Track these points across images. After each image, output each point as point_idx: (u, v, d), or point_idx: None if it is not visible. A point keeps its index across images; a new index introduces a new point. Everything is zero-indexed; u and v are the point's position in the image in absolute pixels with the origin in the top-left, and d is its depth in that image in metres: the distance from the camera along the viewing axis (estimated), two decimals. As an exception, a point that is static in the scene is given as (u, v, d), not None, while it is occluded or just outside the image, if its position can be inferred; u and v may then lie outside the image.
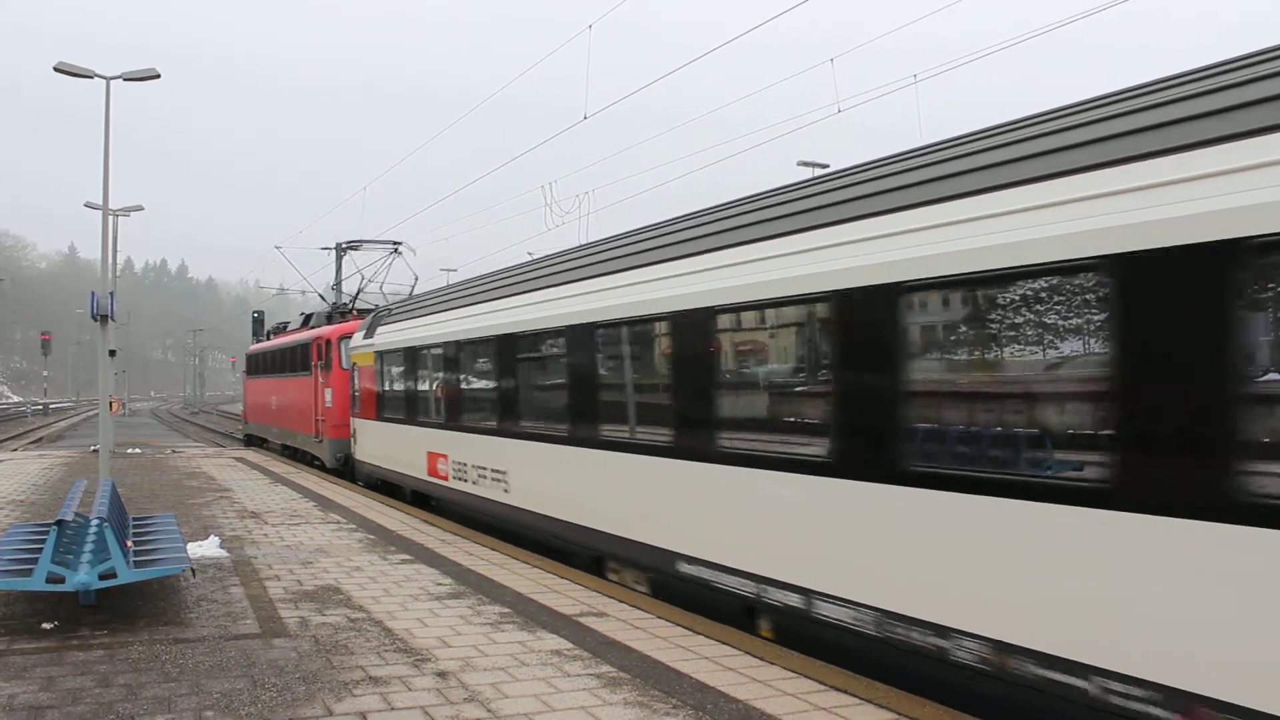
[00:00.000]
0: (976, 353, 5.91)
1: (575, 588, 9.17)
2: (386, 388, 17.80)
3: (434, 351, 15.07)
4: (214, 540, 11.06)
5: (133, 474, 20.89)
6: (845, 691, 5.99)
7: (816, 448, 6.89)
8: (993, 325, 5.73)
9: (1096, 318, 5.07)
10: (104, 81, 21.07)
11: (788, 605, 7.16)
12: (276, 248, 39.32)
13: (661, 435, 8.79)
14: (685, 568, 8.40)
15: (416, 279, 29.14)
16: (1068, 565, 5.11)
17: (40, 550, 7.75)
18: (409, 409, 16.37)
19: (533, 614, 8.05)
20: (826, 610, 6.76)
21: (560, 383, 10.86)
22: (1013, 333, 5.61)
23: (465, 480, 13.68)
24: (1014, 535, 5.39)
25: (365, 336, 19.30)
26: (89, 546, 7.69)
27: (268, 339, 33.82)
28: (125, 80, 21.58)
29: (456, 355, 14.12)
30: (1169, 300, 4.67)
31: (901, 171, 6.64)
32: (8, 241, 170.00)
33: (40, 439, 43.43)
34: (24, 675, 6.23)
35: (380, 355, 18.05)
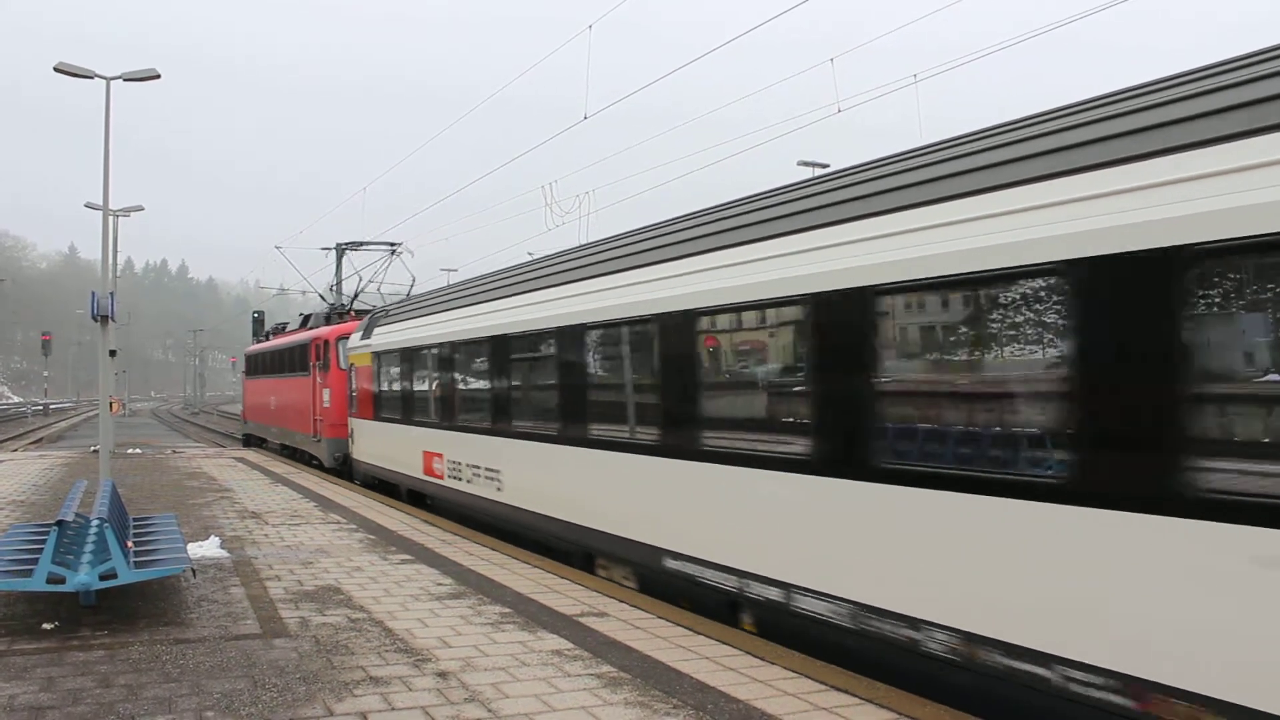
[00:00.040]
0: (943, 354, 6.18)
1: (575, 588, 9.17)
2: (383, 388, 18.00)
3: (429, 352, 15.31)
4: (214, 540, 11.06)
5: (133, 474, 20.90)
6: (846, 691, 5.99)
7: (794, 446, 7.09)
8: (958, 327, 6.01)
9: (1053, 321, 5.31)
10: (104, 82, 21.07)
11: (768, 599, 7.36)
12: (277, 248, 39.31)
13: (647, 434, 9.00)
14: (671, 564, 8.59)
15: (414, 280, 29.45)
16: (1030, 558, 5.31)
17: (41, 551, 7.75)
18: (405, 409, 16.58)
19: (533, 614, 8.05)
20: (805, 604, 6.95)
21: (550, 383, 11.06)
22: (977, 335, 5.89)
23: (460, 479, 13.87)
24: (980, 529, 5.59)
25: (362, 337, 19.51)
26: (89, 547, 7.69)
27: (267, 339, 33.94)
28: (125, 80, 21.59)
29: (451, 356, 14.36)
30: (1120, 304, 4.89)
31: (872, 179, 6.90)
32: (8, 242, 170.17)
33: (40, 439, 43.45)
34: (24, 676, 6.23)
35: (377, 356, 18.26)
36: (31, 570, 7.51)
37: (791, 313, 7.25)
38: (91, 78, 20.92)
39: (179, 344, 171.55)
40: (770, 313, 7.58)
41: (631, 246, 10.01)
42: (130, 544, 8.72)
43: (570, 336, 10.48)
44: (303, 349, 25.68)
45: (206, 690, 5.94)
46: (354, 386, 20.26)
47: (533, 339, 11.50)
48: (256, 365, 33.87)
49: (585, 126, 18.91)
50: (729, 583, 7.82)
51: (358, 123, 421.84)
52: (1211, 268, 4.56)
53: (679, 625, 7.67)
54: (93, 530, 7.93)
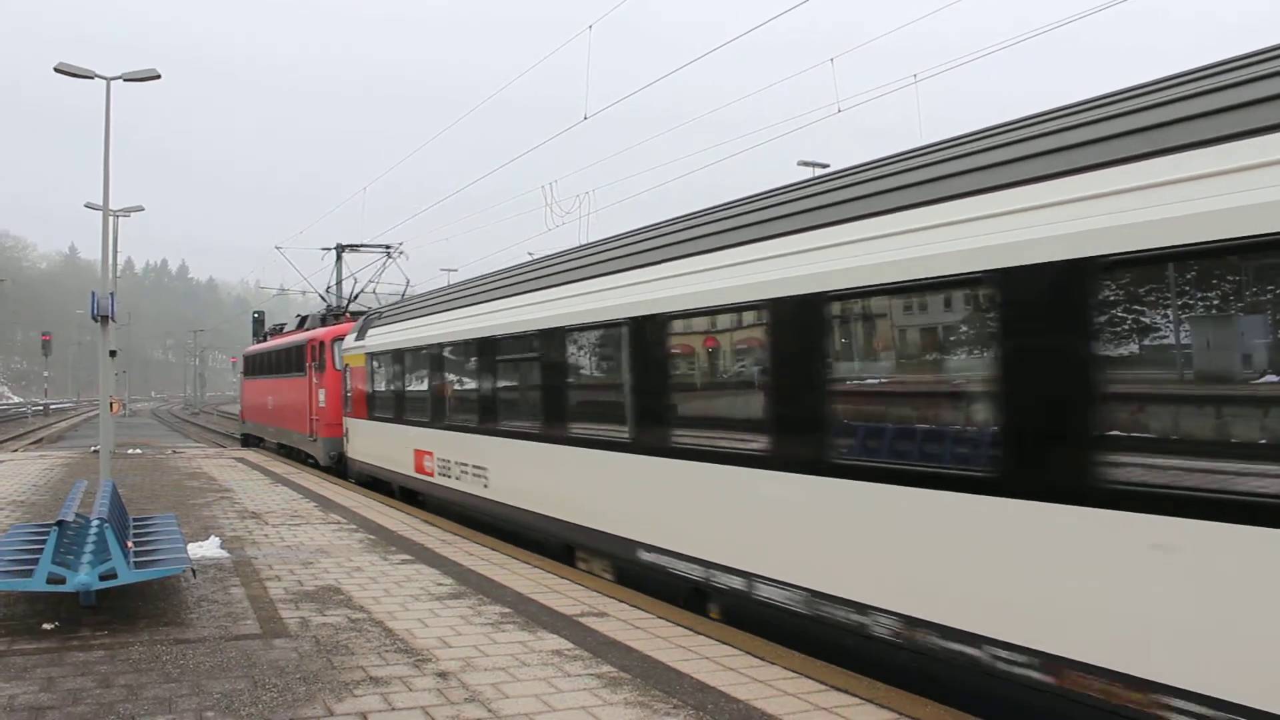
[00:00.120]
0: (885, 357, 6.70)
1: (576, 588, 9.17)
2: (376, 388, 18.39)
3: (419, 353, 15.70)
4: (214, 541, 11.06)
5: (133, 474, 20.90)
6: (846, 691, 5.99)
7: (753, 443, 7.51)
8: (897, 332, 6.51)
9: (977, 327, 5.79)
10: (104, 82, 21.08)
11: (732, 588, 7.76)
12: (277, 248, 39.32)
13: (621, 432, 9.40)
14: (645, 555, 8.99)
15: (408, 282, 29.86)
16: (960, 546, 5.72)
17: (41, 551, 7.75)
18: (397, 408, 16.95)
19: (533, 614, 8.05)
20: (765, 591, 7.36)
21: (532, 383, 11.50)
22: (913, 339, 6.40)
23: (449, 476, 14.25)
24: (917, 519, 6.01)
25: (356, 338, 19.84)
26: (90, 547, 7.69)
27: (265, 340, 34.06)
28: (125, 80, 21.60)
29: (439, 357, 14.76)
30: (1043, 310, 5.27)
31: (827, 191, 7.34)
32: (8, 242, 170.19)
33: (41, 439, 43.47)
34: (24, 676, 6.23)
35: (370, 357, 18.63)
36: (32, 570, 7.51)
37: (750, 317, 7.70)
38: (91, 78, 20.92)
39: (179, 344, 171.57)
40: (731, 317, 8.02)
41: (606, 253, 10.44)
42: (130, 544, 8.73)
43: (549, 339, 10.90)
44: (299, 350, 25.92)
45: (207, 690, 5.94)
46: (348, 387, 20.61)
47: (515, 341, 11.90)
48: (254, 366, 34.10)
49: (585, 127, 18.92)
50: (696, 573, 8.21)
51: (358, 123, 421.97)
52: (1117, 278, 4.93)
53: (679, 625, 7.67)
54: (93, 530, 7.93)
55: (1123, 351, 4.98)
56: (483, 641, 7.18)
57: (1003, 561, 5.44)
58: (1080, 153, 5.27)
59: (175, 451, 30.58)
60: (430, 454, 15.12)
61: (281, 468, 23.37)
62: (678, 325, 8.63)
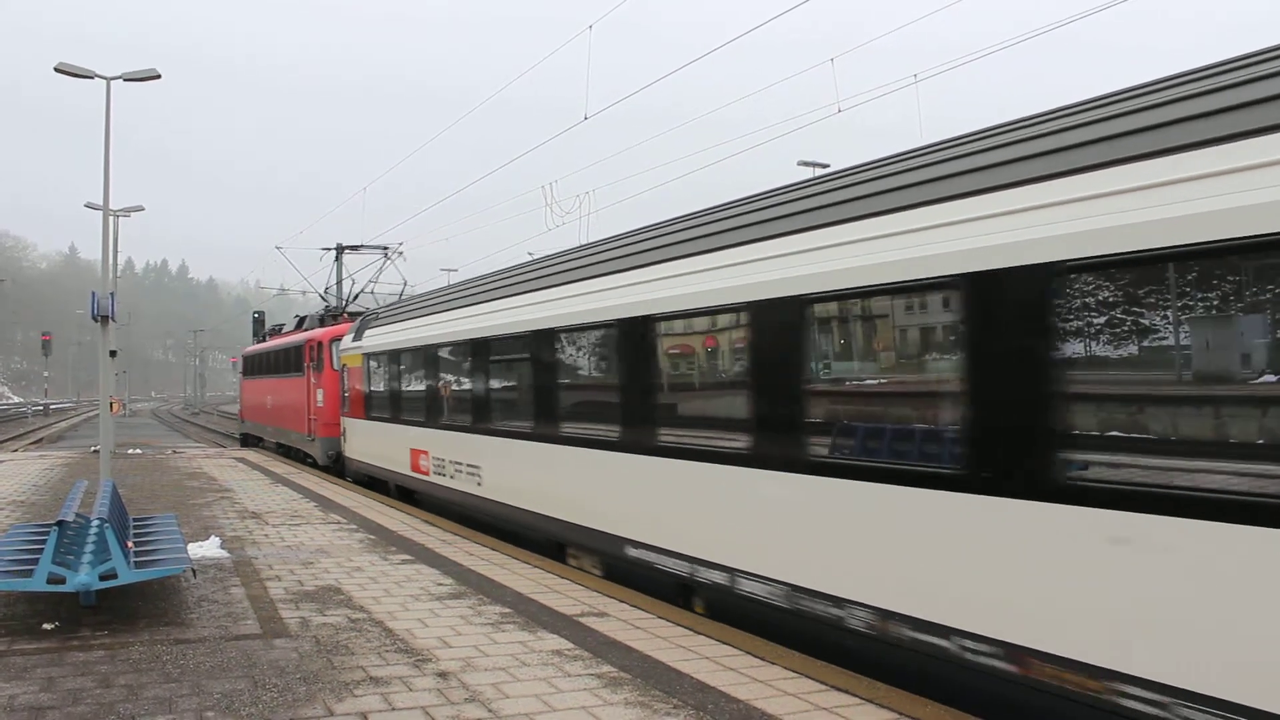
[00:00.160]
0: (861, 358, 6.95)
1: (576, 588, 9.17)
2: (372, 388, 18.64)
3: (414, 354, 15.91)
4: (215, 541, 11.06)
5: (133, 474, 20.90)
6: (846, 691, 5.99)
7: (736, 441, 7.71)
8: (871, 335, 6.80)
9: (945, 329, 6.01)
10: (104, 82, 21.08)
11: (715, 583, 7.95)
12: (277, 248, 39.33)
13: (609, 431, 9.59)
14: (632, 551, 9.17)
15: (405, 284, 30.22)
16: (930, 540, 5.93)
17: (41, 551, 7.75)
18: (393, 408, 17.16)
19: (533, 614, 8.05)
20: (747, 586, 7.56)
21: (523, 383, 11.74)
22: (885, 342, 6.67)
23: (444, 475, 14.45)
24: (889, 515, 6.21)
25: (353, 339, 20.06)
26: (90, 547, 7.69)
27: (265, 341, 34.18)
28: (125, 81, 21.59)
29: (434, 357, 14.95)
30: (1005, 314, 5.49)
31: (804, 197, 7.56)
32: (8, 242, 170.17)
33: (41, 439, 43.47)
34: (24, 676, 6.23)
35: (367, 357, 18.86)
36: (32, 570, 7.51)
37: (731, 320, 7.92)
38: (91, 78, 20.92)
39: (179, 344, 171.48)
40: (714, 319, 8.22)
41: (595, 256, 10.65)
42: (130, 544, 8.72)
43: (539, 340, 11.11)
44: (297, 350, 26.11)
45: (207, 690, 5.94)
46: (346, 387, 20.85)
47: (506, 342, 12.10)
48: (253, 366, 34.31)
49: (585, 127, 18.92)
50: (681, 568, 8.40)
51: (358, 123, 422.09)
52: (1073, 283, 5.14)
53: (679, 625, 7.67)
54: (93, 530, 7.93)
55: (1081, 354, 5.16)
56: (483, 641, 7.18)
57: (969, 555, 5.65)
58: (1037, 163, 5.52)
59: (175, 451, 30.58)
60: (425, 453, 15.31)
61: (281, 468, 23.38)
62: (663, 327, 8.84)
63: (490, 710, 5.63)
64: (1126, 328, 4.98)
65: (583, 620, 7.85)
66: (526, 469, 11.57)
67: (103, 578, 7.53)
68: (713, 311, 8.13)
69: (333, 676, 6.27)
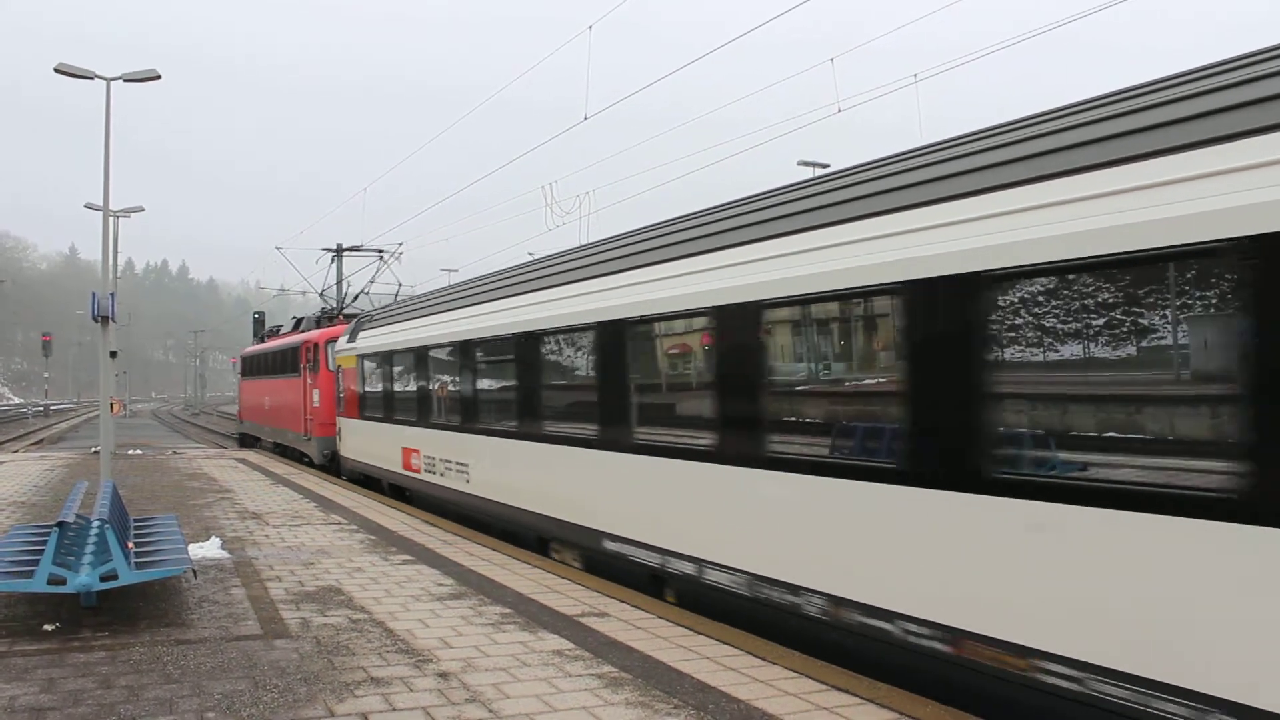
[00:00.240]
0: (811, 360, 7.39)
1: (576, 588, 9.17)
2: (366, 388, 19.05)
3: (405, 355, 16.34)
4: (215, 541, 11.06)
5: (134, 475, 20.90)
6: (847, 691, 6.00)
7: (702, 439, 8.14)
8: (824, 337, 7.26)
9: (893, 333, 6.34)
10: (104, 82, 21.08)
11: (684, 573, 8.37)
12: (277, 248, 39.35)
13: (587, 429, 10.02)
14: (610, 545, 9.58)
15: (400, 285, 30.81)
16: (874, 530, 6.32)
17: (41, 552, 7.75)
18: (386, 408, 17.58)
19: (534, 614, 8.05)
20: (713, 576, 7.97)
21: (508, 384, 12.17)
22: (840, 343, 7.15)
23: (434, 473, 14.89)
24: (839, 507, 6.61)
25: (348, 340, 20.46)
26: (90, 548, 7.69)
27: (263, 342, 34.37)
28: (125, 81, 21.59)
29: (425, 359, 15.37)
30: (937, 319, 5.85)
31: (766, 207, 7.95)
32: (8, 243, 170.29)
33: (41, 440, 43.47)
34: (25, 677, 6.23)
35: (361, 358, 19.27)
36: (33, 571, 7.51)
37: (697, 324, 8.35)
38: (92, 78, 20.93)
39: (180, 345, 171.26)
40: (682, 323, 8.66)
41: (576, 262, 11.08)
42: (131, 545, 8.73)
43: (523, 342, 11.55)
44: (294, 351, 26.46)
45: (208, 691, 5.94)
46: (341, 387, 21.25)
47: (492, 344, 12.55)
48: (252, 367, 34.68)
49: (585, 127, 18.91)
50: (653, 560, 8.82)
51: (358, 123, 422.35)
52: (999, 290, 5.51)
53: (680, 625, 7.68)
54: (94, 531, 7.93)
55: (1004, 357, 5.53)
56: (483, 642, 7.18)
57: (909, 544, 6.04)
58: (974, 177, 5.88)
59: (176, 452, 30.58)
60: (417, 451, 15.71)
61: (282, 468, 23.39)
62: (635, 330, 9.24)
63: (491, 710, 5.63)
64: (1043, 333, 5.39)
65: (583, 620, 7.85)
66: (511, 466, 11.99)
67: (103, 579, 7.54)
68: (679, 316, 8.56)
69: (333, 677, 6.27)
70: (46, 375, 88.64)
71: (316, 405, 23.90)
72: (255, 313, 40.94)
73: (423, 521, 13.87)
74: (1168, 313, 4.81)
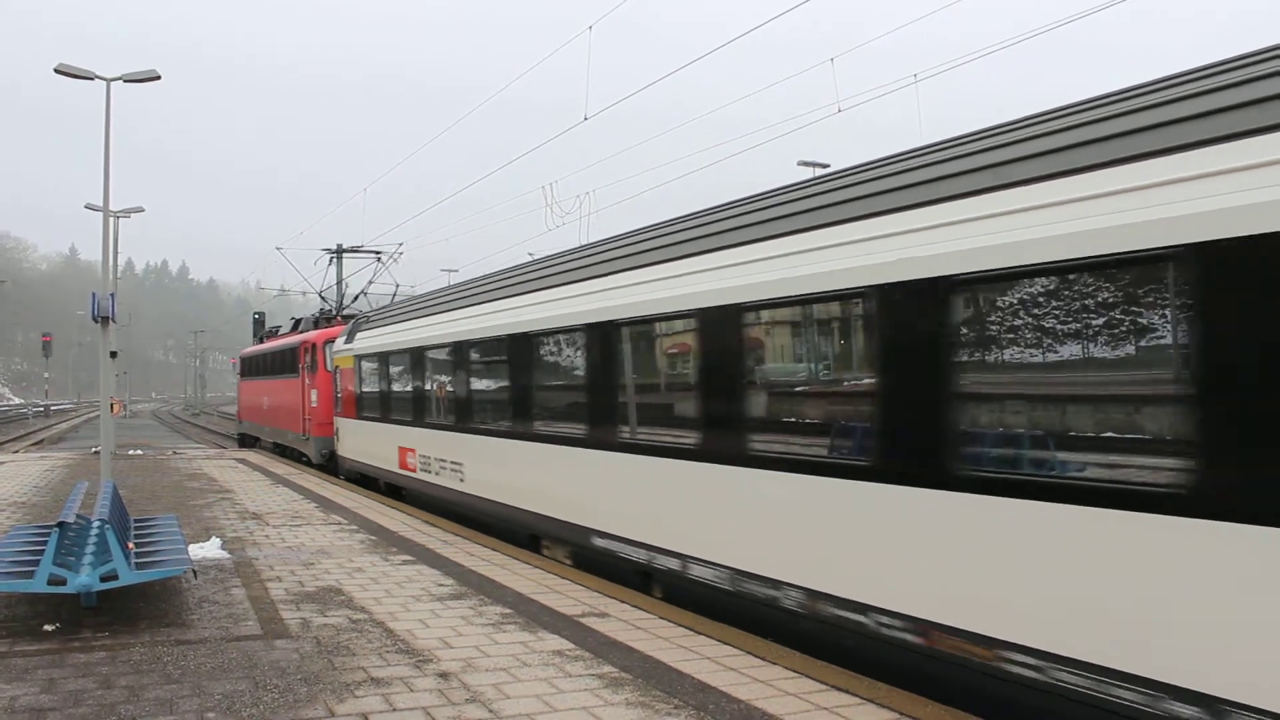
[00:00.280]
0: (789, 361, 7.66)
1: (576, 588, 9.17)
2: (363, 389, 19.32)
3: (401, 356, 16.63)
4: (215, 542, 11.07)
5: (134, 475, 20.91)
6: (847, 691, 6.00)
7: (687, 437, 8.38)
8: (801, 339, 7.53)
9: (865, 335, 6.64)
10: (104, 83, 21.08)
11: (670, 569, 8.59)
12: (277, 249, 39.38)
13: (576, 428, 10.27)
14: (599, 541, 9.81)
15: (397, 287, 31.49)
16: (848, 524, 6.56)
17: (42, 552, 7.75)
18: (382, 408, 17.86)
19: (534, 614, 8.06)
20: (697, 571, 8.20)
21: (501, 384, 12.47)
22: (817, 345, 7.41)
23: (429, 472, 15.14)
24: (816, 503, 6.83)
25: (346, 341, 20.74)
26: (90, 548, 7.69)
27: (262, 343, 34.54)
28: (125, 81, 21.60)
29: (420, 359, 15.65)
30: (905, 322, 6.10)
31: (746, 213, 8.23)
32: (8, 243, 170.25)
33: (41, 441, 43.49)
34: (25, 677, 6.24)
35: (358, 359, 19.57)
36: (33, 572, 7.51)
37: (681, 325, 8.59)
38: (92, 79, 20.93)
39: (180, 345, 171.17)
40: (665, 325, 8.90)
41: (564, 265, 11.42)
42: (131, 545, 8.73)
43: (514, 343, 11.85)
44: (293, 352, 26.71)
45: (208, 691, 5.95)
46: (338, 387, 21.55)
47: (485, 345, 12.88)
48: (250, 367, 34.92)
49: (585, 127, 18.91)
50: (640, 556, 9.04)
51: (358, 123, 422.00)
52: (962, 294, 5.77)
53: (680, 625, 7.68)
54: (94, 531, 7.93)
55: (969, 358, 5.79)
56: (484, 642, 7.18)
57: (881, 538, 6.28)
58: (933, 187, 6.16)
59: (176, 452, 30.59)
60: (412, 451, 15.97)
61: (282, 468, 23.39)
62: (621, 332, 9.49)
63: (491, 710, 5.64)
64: (1002, 336, 5.67)
65: (584, 621, 7.85)
66: (503, 465, 12.26)
67: (104, 579, 7.54)
68: (663, 318, 8.82)
69: (334, 677, 6.27)
70: (47, 376, 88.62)
71: (314, 405, 24.13)
72: (255, 313, 40.98)
73: (423, 522, 13.87)
74: (1119, 317, 5.02)
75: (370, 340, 18.67)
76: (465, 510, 13.75)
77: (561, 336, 10.78)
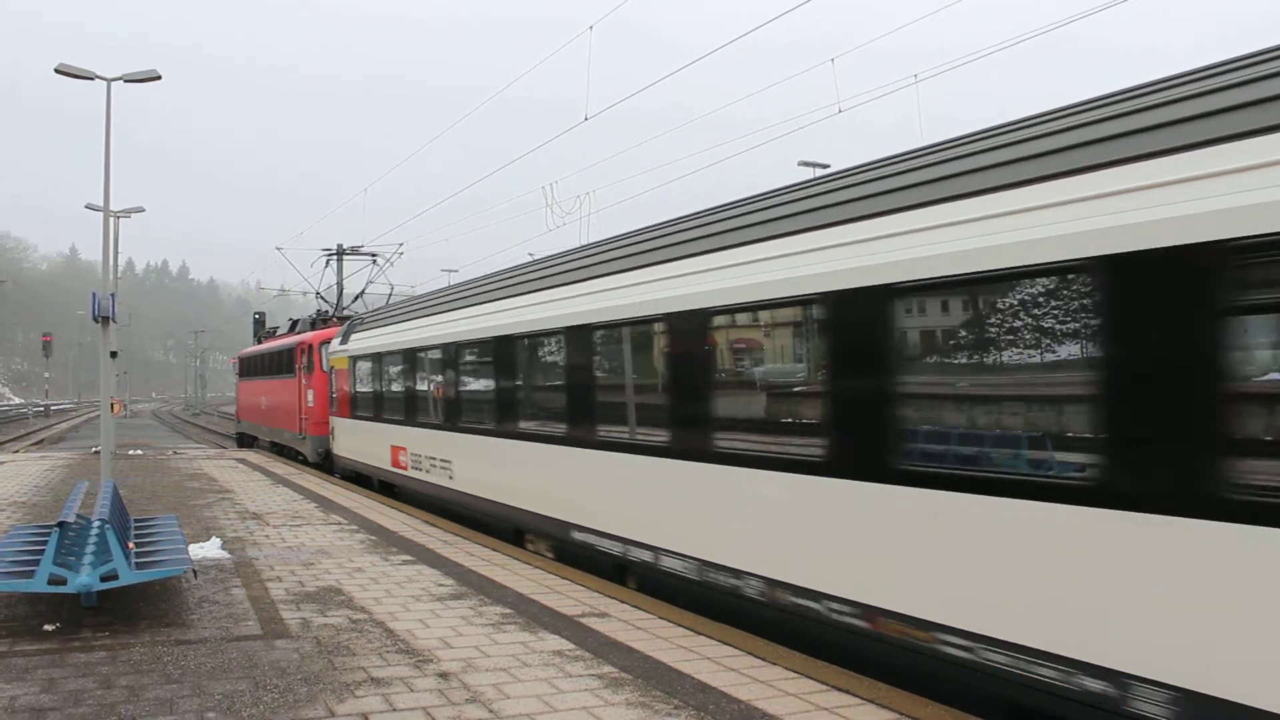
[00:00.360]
0: (748, 362, 8.11)
1: (577, 588, 9.17)
2: (357, 389, 19.78)
3: (393, 357, 17.11)
4: (216, 541, 11.06)
5: (134, 475, 20.90)
6: (847, 691, 6.00)
7: (655, 435, 8.81)
8: (761, 341, 7.97)
9: (817, 338, 6.99)
10: (104, 83, 21.08)
11: (643, 561, 8.95)
12: (277, 249, 39.44)
13: (557, 427, 10.72)
14: (577, 535, 10.22)
15: (393, 289, 31.55)
16: (802, 516, 6.96)
17: (42, 552, 7.75)
18: (375, 408, 18.30)
19: (534, 615, 8.06)
20: (668, 563, 8.58)
21: (487, 384, 12.92)
22: (774, 347, 7.84)
23: (420, 470, 15.56)
24: (772, 496, 7.24)
25: (341, 342, 21.18)
26: (91, 548, 7.69)
27: (262, 343, 34.71)
28: (125, 81, 21.60)
29: (411, 360, 16.11)
30: (853, 327, 6.52)
31: (712, 222, 8.68)
32: (9, 243, 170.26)
33: (42, 441, 43.49)
34: (26, 677, 6.23)
35: (352, 360, 20.00)
36: (33, 571, 7.51)
37: (653, 329, 8.99)
38: (92, 79, 20.94)
39: (180, 345, 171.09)
40: (638, 328, 9.28)
41: (547, 270, 11.87)
42: (131, 545, 8.73)
43: (499, 345, 12.32)
44: (289, 353, 27.07)
45: (208, 691, 5.95)
46: (334, 387, 22.04)
47: (472, 347, 13.35)
48: (249, 368, 35.25)
49: (586, 127, 18.91)
50: (616, 549, 9.41)
51: (358, 123, 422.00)
52: (906, 301, 6.17)
53: (680, 626, 7.68)
54: (94, 531, 7.93)
55: (908, 361, 6.22)
56: (484, 642, 7.18)
57: (831, 529, 6.69)
58: (885, 199, 6.53)
59: (176, 452, 30.59)
60: (404, 449, 16.40)
61: (281, 468, 23.40)
62: (597, 335, 9.94)
63: (491, 711, 5.63)
64: (936, 341, 6.12)
65: (584, 621, 7.85)
66: (489, 463, 12.74)
67: (104, 579, 7.54)
68: (635, 322, 9.26)
69: (334, 677, 6.27)
70: (47, 375, 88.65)
71: (311, 405, 24.46)
72: (255, 313, 41.02)
73: (423, 522, 13.87)
74: (1042, 322, 5.40)
75: (364, 342, 19.10)
76: (454, 507, 14.11)
77: (541, 339, 11.22)
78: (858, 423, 6.48)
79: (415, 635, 7.36)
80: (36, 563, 7.63)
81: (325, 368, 23.39)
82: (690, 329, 8.29)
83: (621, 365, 9.80)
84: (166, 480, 20.00)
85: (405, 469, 16.37)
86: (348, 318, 26.15)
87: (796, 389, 7.42)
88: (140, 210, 36.16)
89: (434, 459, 14.85)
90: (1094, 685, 4.92)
